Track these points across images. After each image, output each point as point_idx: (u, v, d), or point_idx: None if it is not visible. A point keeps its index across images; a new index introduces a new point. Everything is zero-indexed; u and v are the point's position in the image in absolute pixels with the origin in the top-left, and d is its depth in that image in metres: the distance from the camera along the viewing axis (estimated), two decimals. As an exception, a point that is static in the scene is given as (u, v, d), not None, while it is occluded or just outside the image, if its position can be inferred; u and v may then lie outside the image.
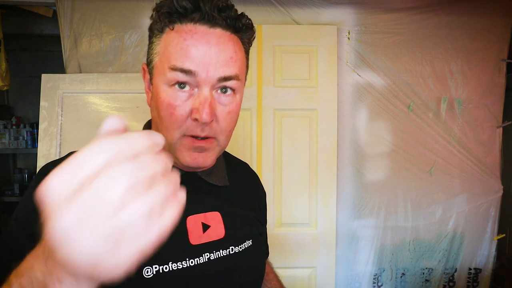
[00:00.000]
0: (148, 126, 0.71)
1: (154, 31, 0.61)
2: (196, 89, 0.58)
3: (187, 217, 0.63)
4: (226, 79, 0.58)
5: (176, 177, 0.32)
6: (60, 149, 1.63)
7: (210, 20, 0.56)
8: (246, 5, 1.77)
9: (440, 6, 1.83)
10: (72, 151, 0.64)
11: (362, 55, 1.83)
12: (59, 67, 1.80)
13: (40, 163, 1.62)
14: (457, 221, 1.90)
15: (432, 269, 1.92)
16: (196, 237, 0.63)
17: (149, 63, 0.63)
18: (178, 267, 0.59)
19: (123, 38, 1.75)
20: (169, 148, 0.61)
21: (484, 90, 1.88)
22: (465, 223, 1.91)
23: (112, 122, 0.31)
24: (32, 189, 0.59)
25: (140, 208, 0.27)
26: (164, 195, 0.29)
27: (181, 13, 0.56)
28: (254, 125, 1.76)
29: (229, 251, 0.65)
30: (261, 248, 0.78)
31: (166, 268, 0.58)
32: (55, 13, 1.86)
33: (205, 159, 0.61)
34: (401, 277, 1.92)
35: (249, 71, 0.69)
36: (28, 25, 2.40)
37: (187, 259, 0.60)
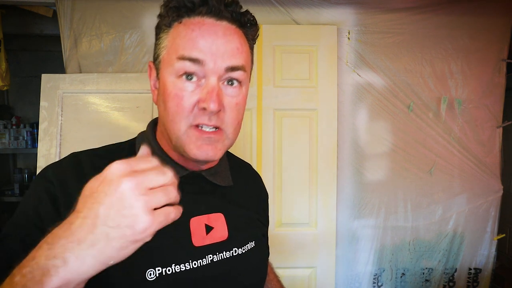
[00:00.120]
0: (152, 124, 0.70)
1: (162, 27, 0.62)
2: (203, 80, 0.58)
3: (190, 218, 0.63)
4: (233, 69, 0.58)
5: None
6: (60, 149, 1.63)
7: (217, 14, 0.58)
8: (246, 5, 1.75)
9: (440, 6, 1.83)
10: (73, 152, 0.65)
11: (362, 55, 1.83)
12: (59, 67, 1.80)
13: (40, 163, 1.62)
14: (457, 221, 1.90)
15: (432, 269, 1.92)
16: (199, 238, 0.62)
17: (156, 58, 0.63)
18: (181, 269, 0.59)
19: (123, 38, 1.75)
20: (176, 142, 0.60)
21: (484, 90, 1.88)
22: (465, 223, 1.91)
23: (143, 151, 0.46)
24: (33, 191, 0.59)
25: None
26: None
27: (189, 7, 0.58)
28: (254, 125, 1.76)
29: (232, 252, 0.65)
30: (264, 249, 0.78)
31: (169, 270, 0.57)
32: (55, 13, 1.86)
33: (215, 152, 0.60)
34: (401, 277, 1.92)
35: (250, 71, 0.69)
36: (28, 25, 2.40)
37: (190, 261, 0.60)
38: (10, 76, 2.23)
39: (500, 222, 1.95)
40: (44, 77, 1.68)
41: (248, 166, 0.88)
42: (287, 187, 1.77)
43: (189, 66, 0.57)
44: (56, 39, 1.87)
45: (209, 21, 0.58)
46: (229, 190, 0.71)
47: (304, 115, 1.77)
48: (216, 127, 0.59)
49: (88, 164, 0.61)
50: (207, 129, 0.59)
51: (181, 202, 0.65)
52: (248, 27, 0.63)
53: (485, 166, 1.90)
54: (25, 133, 3.05)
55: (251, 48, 0.65)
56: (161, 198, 0.41)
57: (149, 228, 0.40)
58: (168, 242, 0.59)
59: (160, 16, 0.62)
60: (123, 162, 0.41)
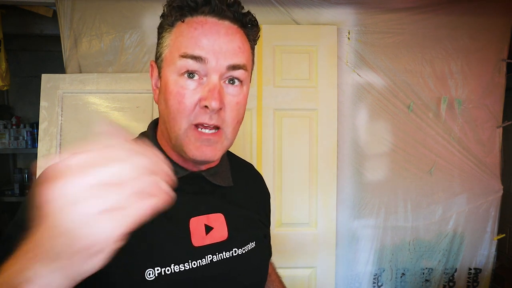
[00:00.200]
0: (153, 125, 0.71)
1: (165, 26, 0.62)
2: (205, 78, 0.59)
3: (189, 218, 0.63)
4: (234, 67, 0.59)
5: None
6: (60, 149, 1.63)
7: (219, 13, 0.59)
8: (246, 5, 1.75)
9: (440, 6, 1.83)
10: (73, 151, 0.64)
11: (362, 55, 1.83)
12: (59, 67, 1.80)
13: (40, 163, 1.62)
14: (457, 221, 1.90)
15: (432, 269, 1.92)
16: (198, 238, 0.62)
17: (158, 57, 0.64)
18: (181, 269, 0.58)
19: (123, 38, 1.75)
20: (175, 141, 0.61)
21: (484, 90, 1.88)
22: (465, 223, 1.90)
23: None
24: (34, 193, 0.58)
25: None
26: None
27: (192, 6, 0.59)
28: (254, 125, 1.76)
29: (232, 253, 0.65)
30: (265, 250, 0.78)
31: (168, 270, 0.57)
32: (55, 13, 1.86)
33: (214, 152, 0.60)
34: (401, 277, 1.92)
35: (250, 71, 0.70)
36: (28, 25, 2.40)
37: (190, 261, 0.60)
38: (10, 76, 2.23)
39: (500, 222, 1.95)
40: (44, 77, 1.68)
41: (249, 167, 0.88)
42: (287, 187, 1.77)
43: (191, 64, 0.57)
44: (56, 39, 1.87)
45: (211, 20, 0.59)
46: (229, 191, 0.71)
47: (304, 115, 1.77)
48: (216, 127, 0.60)
49: None
50: (206, 131, 0.59)
51: (181, 202, 0.65)
52: (250, 28, 0.63)
53: (485, 166, 1.90)
54: (25, 133, 3.05)
55: (252, 49, 0.66)
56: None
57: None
58: (168, 242, 0.59)
59: (163, 15, 0.63)
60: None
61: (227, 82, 0.60)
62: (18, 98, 3.34)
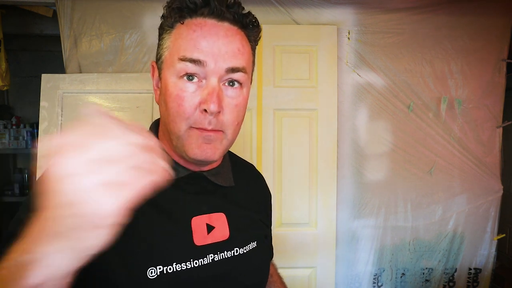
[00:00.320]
0: (155, 125, 0.71)
1: (165, 27, 0.62)
2: (204, 81, 0.59)
3: (191, 218, 0.63)
4: (233, 70, 0.59)
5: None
6: (60, 149, 1.63)
7: (219, 15, 0.59)
8: (246, 5, 1.75)
9: (440, 6, 1.83)
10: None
11: (362, 55, 1.83)
12: (59, 67, 1.80)
13: (40, 163, 1.62)
14: (457, 221, 1.90)
15: (432, 269, 1.92)
16: (200, 238, 0.62)
17: (158, 59, 0.64)
18: (182, 268, 0.59)
19: (123, 38, 1.75)
20: (176, 142, 0.61)
21: (484, 90, 1.88)
22: (465, 223, 1.91)
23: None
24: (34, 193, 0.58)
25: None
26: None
27: (191, 8, 0.58)
28: (254, 125, 1.76)
29: (233, 252, 0.65)
30: (266, 250, 0.78)
31: (170, 269, 0.58)
32: (55, 13, 1.86)
33: (214, 151, 0.60)
34: (401, 277, 1.92)
35: (250, 71, 0.69)
36: (28, 25, 2.40)
37: (191, 259, 0.60)
38: (10, 76, 2.23)
39: (500, 222, 1.95)
40: (44, 77, 1.68)
41: (251, 167, 0.88)
42: (287, 187, 1.77)
43: (190, 67, 0.57)
44: (56, 39, 1.87)
45: (211, 22, 0.59)
46: (231, 191, 0.71)
47: (304, 115, 1.77)
48: (215, 129, 0.60)
49: None
50: (208, 127, 0.59)
51: (183, 202, 0.65)
52: (250, 29, 0.63)
53: (485, 166, 1.90)
54: (25, 133, 3.05)
55: (253, 50, 0.66)
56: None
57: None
58: (170, 241, 0.60)
59: (163, 17, 0.62)
60: None
61: (226, 84, 0.60)
62: (18, 98, 3.34)
